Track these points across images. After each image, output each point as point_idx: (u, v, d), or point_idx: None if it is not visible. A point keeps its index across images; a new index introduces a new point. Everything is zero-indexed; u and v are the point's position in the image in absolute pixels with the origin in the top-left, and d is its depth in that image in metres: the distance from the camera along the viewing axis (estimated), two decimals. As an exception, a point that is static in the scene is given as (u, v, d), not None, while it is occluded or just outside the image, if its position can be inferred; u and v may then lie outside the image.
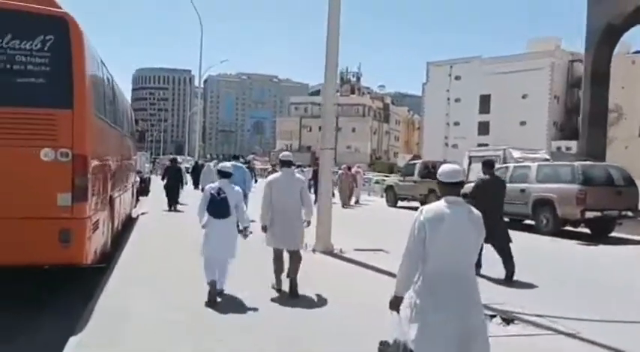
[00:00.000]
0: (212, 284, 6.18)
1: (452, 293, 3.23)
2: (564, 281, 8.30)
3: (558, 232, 13.44)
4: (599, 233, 13.63)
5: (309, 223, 6.96)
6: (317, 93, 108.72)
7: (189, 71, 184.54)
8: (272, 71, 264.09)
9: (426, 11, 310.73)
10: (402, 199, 22.07)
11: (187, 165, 33.81)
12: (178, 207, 17.15)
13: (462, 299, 3.27)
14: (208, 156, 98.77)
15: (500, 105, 64.33)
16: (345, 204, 21.58)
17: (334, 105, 10.82)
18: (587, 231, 13.97)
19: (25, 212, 5.76)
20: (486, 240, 4.16)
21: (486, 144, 41.49)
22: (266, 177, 8.36)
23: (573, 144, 54.93)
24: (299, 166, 24.33)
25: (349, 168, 23.82)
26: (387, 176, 35.61)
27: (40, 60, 5.85)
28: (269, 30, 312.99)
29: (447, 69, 72.02)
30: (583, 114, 22.94)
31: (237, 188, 6.65)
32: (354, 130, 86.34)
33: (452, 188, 3.46)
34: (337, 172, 24.17)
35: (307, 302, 6.38)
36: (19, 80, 5.83)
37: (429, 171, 19.98)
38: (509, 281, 7.91)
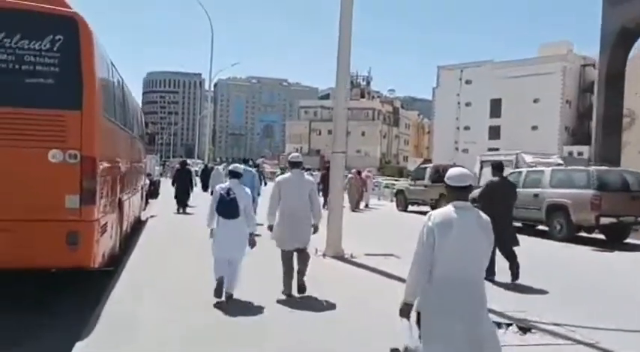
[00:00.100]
0: (220, 280, 6.22)
1: (460, 298, 3.21)
2: (579, 288, 8.12)
3: (572, 238, 13.22)
4: (615, 239, 13.38)
5: (316, 228, 6.88)
6: (327, 97, 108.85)
7: (200, 75, 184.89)
8: (282, 75, 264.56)
9: (437, 15, 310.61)
10: (413, 203, 21.89)
11: (197, 168, 33.85)
12: (188, 209, 17.19)
13: (471, 304, 3.25)
14: (218, 159, 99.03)
15: (512, 110, 63.88)
16: (355, 208, 21.43)
17: (345, 109, 10.70)
18: (601, 237, 13.74)
19: (33, 214, 5.69)
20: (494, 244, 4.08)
21: (497, 149, 41.24)
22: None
23: (585, 149, 54.48)
24: (308, 170, 24.20)
25: (359, 173, 23.67)
26: (396, 180, 35.41)
27: (49, 60, 5.79)
28: (279, 34, 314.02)
29: (458, 73, 71.65)
30: (597, 119, 22.71)
31: (247, 189, 6.63)
32: (363, 134, 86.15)
33: (460, 192, 3.42)
34: (347, 176, 24.04)
35: (317, 307, 6.29)
36: (28, 80, 5.77)
37: (440, 175, 19.74)
38: (515, 279, 7.88)
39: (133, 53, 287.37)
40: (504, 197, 8.21)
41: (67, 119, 5.82)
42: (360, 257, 9.76)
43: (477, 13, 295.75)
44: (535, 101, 63.29)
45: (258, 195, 13.98)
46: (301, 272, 6.72)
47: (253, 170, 14.12)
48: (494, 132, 66.00)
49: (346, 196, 21.38)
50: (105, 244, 6.68)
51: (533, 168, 15.75)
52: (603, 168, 14.35)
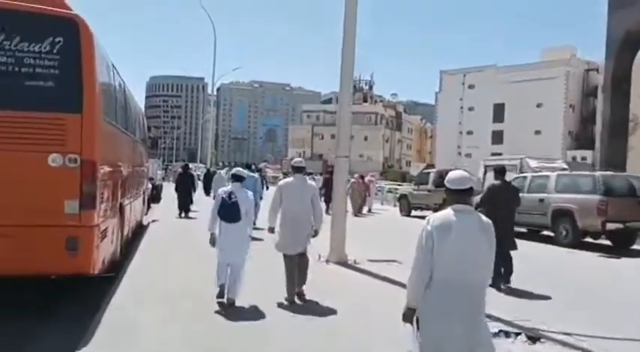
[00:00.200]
0: (221, 287, 6.26)
1: (460, 302, 3.17)
2: (587, 295, 8.00)
3: (578, 244, 13.06)
4: (621, 245, 13.23)
5: (316, 232, 6.87)
6: (329, 101, 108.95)
7: (203, 79, 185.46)
8: (284, 79, 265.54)
9: (440, 20, 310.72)
10: (416, 208, 21.77)
11: (199, 173, 33.79)
12: (190, 213, 17.14)
13: (470, 308, 3.20)
14: (221, 163, 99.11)
15: (515, 114, 63.73)
16: (357, 212, 21.31)
17: (349, 113, 10.60)
18: (607, 243, 13.58)
19: (31, 219, 5.58)
20: None
21: (500, 154, 41.03)
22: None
23: (589, 154, 54.29)
24: (310, 174, 24.15)
25: (362, 177, 23.56)
26: (399, 185, 35.34)
27: (49, 62, 5.68)
28: (281, 38, 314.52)
29: (461, 77, 71.60)
30: (603, 123, 22.55)
31: (249, 192, 6.69)
32: (366, 139, 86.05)
33: (460, 195, 3.37)
34: (349, 181, 23.94)
35: (318, 313, 6.27)
36: (27, 83, 5.67)
37: (444, 180, 19.60)
38: (507, 283, 7.79)
39: (137, 57, 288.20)
40: (507, 201, 8.13)
41: (67, 122, 5.71)
42: (363, 263, 9.65)
43: (480, 18, 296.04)
44: (538, 106, 63.12)
45: (261, 198, 13.92)
46: (301, 281, 6.72)
47: (256, 175, 14.07)
48: (497, 137, 65.85)
49: (349, 201, 21.31)
50: (105, 250, 6.57)
51: (539, 173, 15.61)
52: (609, 173, 14.23)
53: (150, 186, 17.25)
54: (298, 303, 6.56)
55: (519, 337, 5.43)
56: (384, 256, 10.18)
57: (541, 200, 13.82)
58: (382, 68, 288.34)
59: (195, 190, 18.70)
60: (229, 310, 6.10)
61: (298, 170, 6.95)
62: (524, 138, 58.80)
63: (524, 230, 14.38)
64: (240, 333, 5.44)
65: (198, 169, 45.12)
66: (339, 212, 10.35)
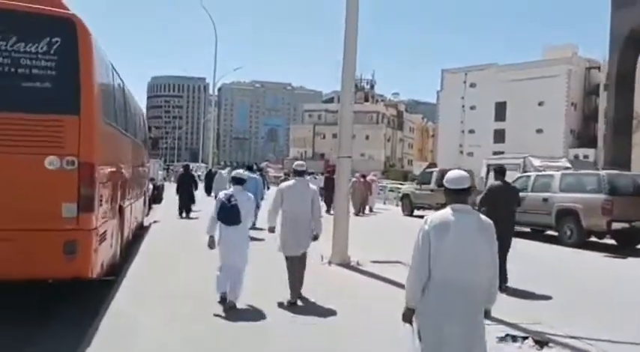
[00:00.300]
0: (222, 295, 6.28)
1: (458, 302, 3.15)
2: (593, 296, 7.90)
3: (583, 244, 12.95)
4: (627, 245, 13.10)
5: (316, 237, 6.85)
6: (330, 100, 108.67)
7: (204, 79, 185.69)
8: (285, 79, 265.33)
9: (441, 19, 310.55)
10: (419, 208, 21.66)
11: (199, 173, 33.72)
12: (191, 214, 17.04)
13: (469, 308, 3.18)
14: (222, 163, 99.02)
15: (516, 113, 63.56)
16: (359, 212, 21.21)
17: (351, 112, 10.48)
18: (613, 242, 13.46)
19: (28, 223, 5.47)
20: None
21: (502, 152, 40.85)
22: (278, 185, 8.28)
23: (591, 152, 54.18)
24: (311, 173, 24.05)
25: (364, 176, 23.45)
26: (401, 184, 35.15)
27: (46, 63, 5.58)
28: (282, 38, 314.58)
29: (462, 76, 71.46)
30: (607, 121, 22.48)
31: (250, 195, 6.71)
32: (367, 138, 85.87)
33: (458, 195, 3.34)
34: (351, 180, 23.85)
35: (319, 313, 6.24)
36: (24, 84, 5.56)
37: (447, 179, 19.54)
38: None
39: (138, 58, 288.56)
40: (507, 202, 8.04)
41: (64, 124, 5.60)
42: (366, 264, 9.56)
43: (482, 17, 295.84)
44: (540, 104, 62.95)
45: (262, 199, 13.83)
46: (298, 281, 6.72)
47: (257, 176, 13.99)
48: (499, 136, 65.71)
49: (350, 200, 21.22)
50: (104, 253, 6.48)
51: (542, 172, 15.48)
52: (614, 171, 14.12)
53: (151, 186, 17.16)
54: (299, 304, 6.54)
55: (526, 341, 5.32)
56: (387, 257, 10.08)
57: (545, 199, 13.71)
58: (383, 67, 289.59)
59: (196, 188, 18.62)
60: (229, 311, 6.08)
61: (300, 173, 6.99)
62: (526, 136, 58.65)
63: (527, 230, 14.27)
64: (240, 334, 5.42)
65: (199, 169, 45.11)
66: (342, 213, 10.24)
